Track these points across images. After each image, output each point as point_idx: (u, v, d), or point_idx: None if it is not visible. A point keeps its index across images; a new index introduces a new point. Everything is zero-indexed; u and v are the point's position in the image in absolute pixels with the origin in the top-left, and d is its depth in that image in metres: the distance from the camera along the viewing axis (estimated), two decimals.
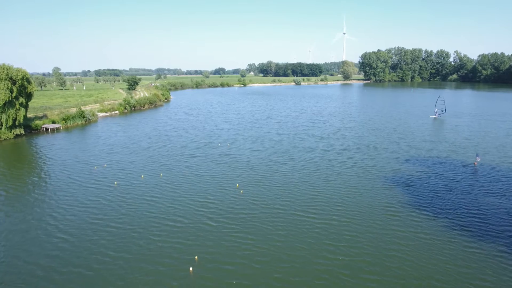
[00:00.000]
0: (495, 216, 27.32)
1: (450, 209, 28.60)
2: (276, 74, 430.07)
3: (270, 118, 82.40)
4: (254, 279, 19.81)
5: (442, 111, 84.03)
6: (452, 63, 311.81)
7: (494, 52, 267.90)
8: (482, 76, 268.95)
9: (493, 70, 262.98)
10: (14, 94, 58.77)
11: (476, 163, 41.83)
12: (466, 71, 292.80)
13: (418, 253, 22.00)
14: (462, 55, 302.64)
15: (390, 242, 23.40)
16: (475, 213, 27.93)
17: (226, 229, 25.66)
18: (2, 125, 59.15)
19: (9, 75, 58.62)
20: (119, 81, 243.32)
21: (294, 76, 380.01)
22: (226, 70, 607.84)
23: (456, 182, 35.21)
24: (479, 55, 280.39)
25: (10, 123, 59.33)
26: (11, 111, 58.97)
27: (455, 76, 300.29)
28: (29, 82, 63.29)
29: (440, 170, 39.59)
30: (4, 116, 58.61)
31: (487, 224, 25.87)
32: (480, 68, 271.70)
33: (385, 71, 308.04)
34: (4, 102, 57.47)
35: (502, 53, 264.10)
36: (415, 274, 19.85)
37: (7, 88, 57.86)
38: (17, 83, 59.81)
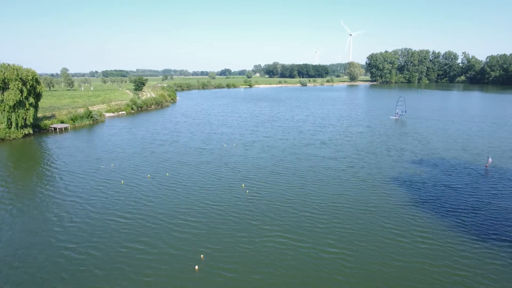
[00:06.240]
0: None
1: (469, 230, 25.25)
2: (282, 75, 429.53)
3: (275, 121, 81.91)
4: (257, 279, 19.75)
5: (403, 112, 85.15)
6: (460, 64, 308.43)
7: (503, 53, 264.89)
8: (491, 78, 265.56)
9: (502, 71, 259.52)
10: (24, 95, 59.47)
11: (487, 165, 41.17)
12: (474, 73, 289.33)
13: None
14: (470, 57, 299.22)
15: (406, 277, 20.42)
16: (494, 233, 25.30)
17: (231, 229, 25.67)
18: (11, 125, 59.86)
19: (19, 76, 59.34)
20: (126, 81, 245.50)
21: (300, 77, 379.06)
22: (232, 71, 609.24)
23: (469, 196, 32.00)
24: (487, 57, 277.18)
25: (20, 123, 60.01)
26: (21, 111, 59.67)
27: (463, 77, 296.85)
28: (38, 83, 63.96)
29: (452, 178, 37.10)
30: (14, 116, 59.31)
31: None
32: (488, 69, 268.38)
33: (391, 72, 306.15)
34: (14, 102, 58.18)
35: (511, 54, 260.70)
36: None
37: (18, 88, 58.57)
38: (27, 83, 60.49)
